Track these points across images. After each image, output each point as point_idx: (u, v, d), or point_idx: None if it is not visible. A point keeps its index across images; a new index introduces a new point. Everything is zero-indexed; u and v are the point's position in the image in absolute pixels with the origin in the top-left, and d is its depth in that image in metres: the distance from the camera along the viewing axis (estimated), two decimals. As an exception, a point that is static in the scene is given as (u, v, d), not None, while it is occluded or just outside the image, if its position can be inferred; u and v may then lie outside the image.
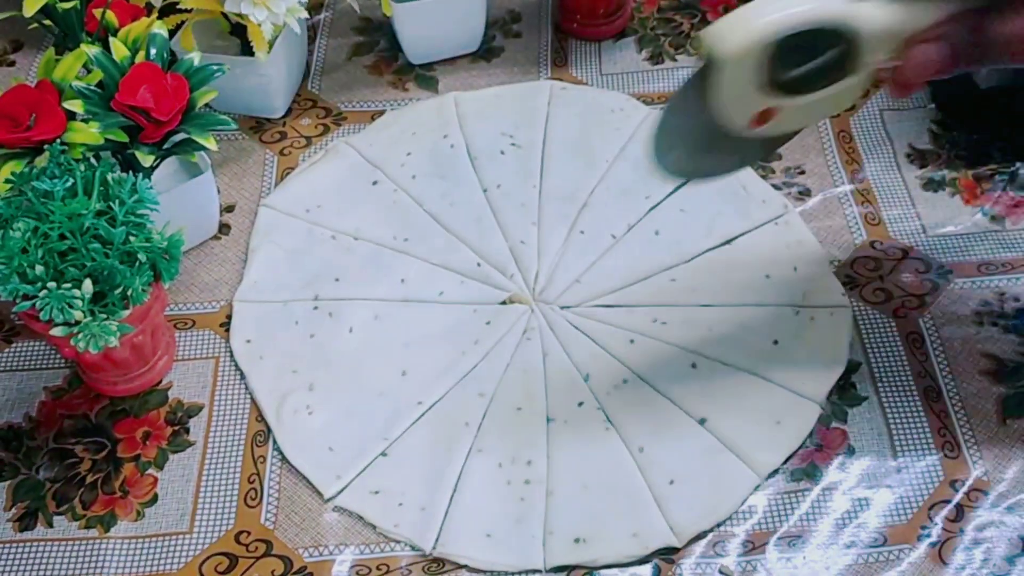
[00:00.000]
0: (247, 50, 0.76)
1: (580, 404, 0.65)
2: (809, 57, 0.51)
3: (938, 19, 0.49)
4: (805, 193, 0.76)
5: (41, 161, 0.61)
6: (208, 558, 0.60)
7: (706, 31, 0.50)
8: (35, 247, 0.57)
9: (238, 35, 0.78)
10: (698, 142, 0.57)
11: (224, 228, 0.75)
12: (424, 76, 0.85)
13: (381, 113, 0.82)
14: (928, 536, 0.59)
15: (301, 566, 0.59)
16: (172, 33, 0.72)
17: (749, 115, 0.54)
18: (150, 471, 0.63)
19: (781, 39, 0.50)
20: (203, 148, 0.66)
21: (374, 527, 0.61)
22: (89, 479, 0.63)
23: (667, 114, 0.56)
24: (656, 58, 0.86)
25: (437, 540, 0.60)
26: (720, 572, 0.58)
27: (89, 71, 0.65)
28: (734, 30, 0.49)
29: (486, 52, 0.87)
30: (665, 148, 0.57)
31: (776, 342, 0.67)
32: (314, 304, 0.70)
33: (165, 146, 0.66)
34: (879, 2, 0.49)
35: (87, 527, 0.61)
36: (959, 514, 0.60)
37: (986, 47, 0.48)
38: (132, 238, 0.59)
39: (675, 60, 0.85)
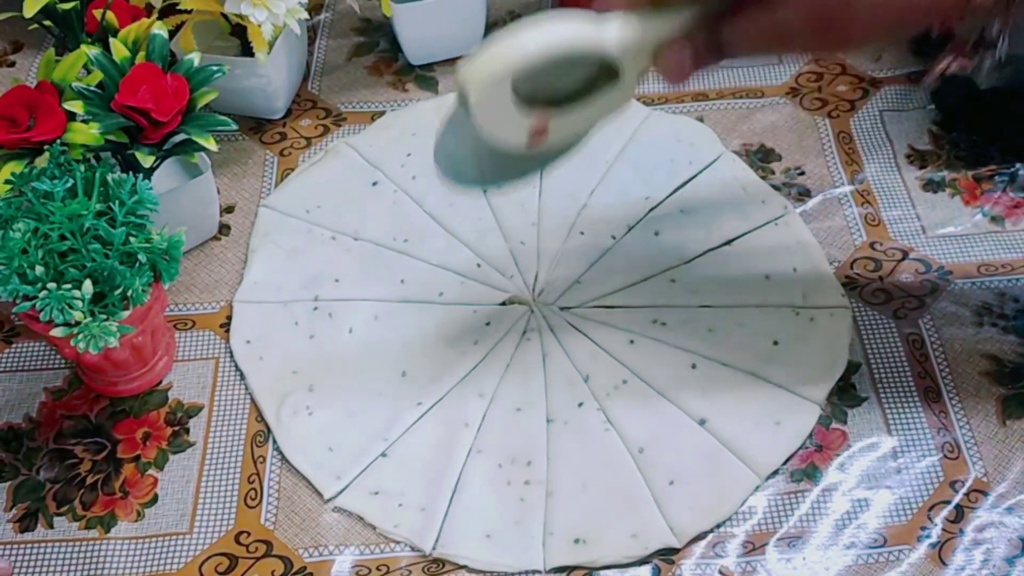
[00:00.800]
0: (247, 51, 0.76)
1: (580, 405, 0.65)
2: (569, 71, 0.54)
3: (678, 28, 0.52)
4: (805, 194, 0.76)
5: (41, 162, 0.61)
6: (208, 558, 0.60)
7: (459, 66, 0.52)
8: (35, 248, 0.57)
9: (238, 36, 0.78)
10: (480, 154, 0.58)
11: (224, 229, 0.75)
12: (424, 77, 0.85)
13: (381, 114, 0.82)
14: (928, 537, 0.59)
15: (301, 567, 0.59)
16: (172, 34, 0.72)
17: (521, 136, 0.55)
18: (150, 472, 0.63)
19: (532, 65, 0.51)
20: (203, 149, 0.66)
21: (374, 528, 0.61)
22: (89, 480, 0.63)
23: (446, 128, 0.58)
24: (656, 59, 0.85)
25: (437, 541, 0.60)
26: (720, 573, 0.58)
27: (89, 72, 0.65)
28: (480, 66, 0.51)
29: (486, 53, 0.87)
30: (449, 159, 0.59)
31: (776, 343, 0.67)
32: (314, 305, 0.70)
33: (165, 147, 0.66)
34: (621, 22, 0.52)
35: (87, 528, 0.61)
36: (959, 515, 0.60)
37: (722, 46, 0.52)
38: (132, 239, 0.59)
39: (675, 61, 0.85)
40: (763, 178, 0.76)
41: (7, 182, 0.60)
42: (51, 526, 0.61)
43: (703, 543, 0.59)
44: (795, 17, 0.50)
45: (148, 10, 0.72)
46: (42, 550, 0.60)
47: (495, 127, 0.55)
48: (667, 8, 0.52)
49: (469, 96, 0.53)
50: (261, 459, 0.64)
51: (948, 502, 0.60)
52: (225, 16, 0.75)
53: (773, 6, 0.51)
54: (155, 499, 0.62)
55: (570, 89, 0.55)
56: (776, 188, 0.76)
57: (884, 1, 0.49)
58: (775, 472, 0.62)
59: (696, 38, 0.53)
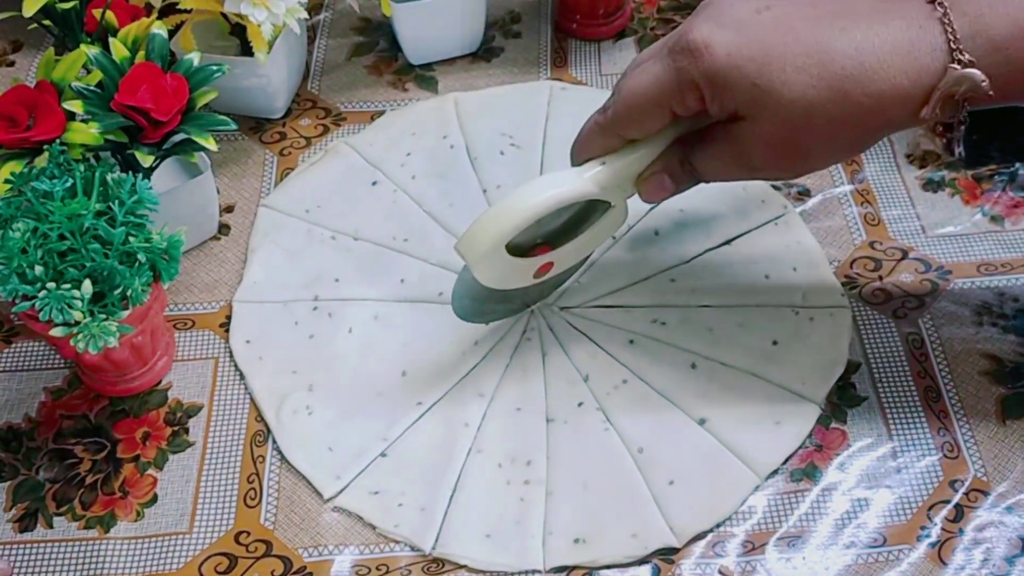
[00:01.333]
0: (247, 50, 0.76)
1: (580, 404, 0.65)
2: (564, 212, 0.59)
3: (651, 159, 0.57)
4: (804, 193, 0.76)
5: (40, 161, 0.61)
6: (208, 558, 0.60)
7: (458, 243, 0.58)
8: (34, 247, 0.57)
9: (238, 35, 0.78)
10: (494, 295, 0.63)
11: (224, 228, 0.75)
12: (424, 76, 0.85)
13: (381, 113, 0.82)
14: (928, 536, 0.59)
15: (301, 566, 0.59)
16: (172, 33, 0.72)
17: (527, 277, 0.61)
18: (150, 471, 0.63)
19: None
20: (203, 148, 0.66)
21: (374, 527, 0.61)
22: (89, 480, 0.63)
23: (460, 280, 0.64)
24: (656, 58, 0.85)
25: (437, 540, 0.60)
26: (720, 572, 0.58)
27: (89, 71, 0.65)
28: (474, 241, 0.57)
29: (486, 52, 0.87)
30: (468, 306, 0.65)
31: (776, 342, 0.67)
32: (314, 304, 0.70)
33: (165, 146, 0.66)
34: (597, 169, 0.57)
35: (87, 528, 0.61)
36: (959, 514, 0.60)
37: (693, 172, 0.57)
38: (132, 238, 0.59)
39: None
40: (763, 178, 0.76)
41: (6, 182, 0.60)
42: (51, 526, 0.61)
43: (703, 543, 0.59)
44: (755, 148, 0.54)
45: (148, 10, 0.72)
46: (42, 550, 0.60)
47: (500, 281, 0.60)
48: (639, 143, 0.57)
49: (471, 268, 0.58)
50: (261, 459, 0.64)
51: (948, 501, 0.60)
52: (225, 16, 0.75)
53: (735, 137, 0.54)
54: (155, 499, 0.62)
55: (568, 222, 0.61)
56: (776, 187, 0.76)
57: (837, 128, 0.52)
58: (775, 472, 0.62)
59: (672, 164, 0.57)
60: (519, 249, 0.59)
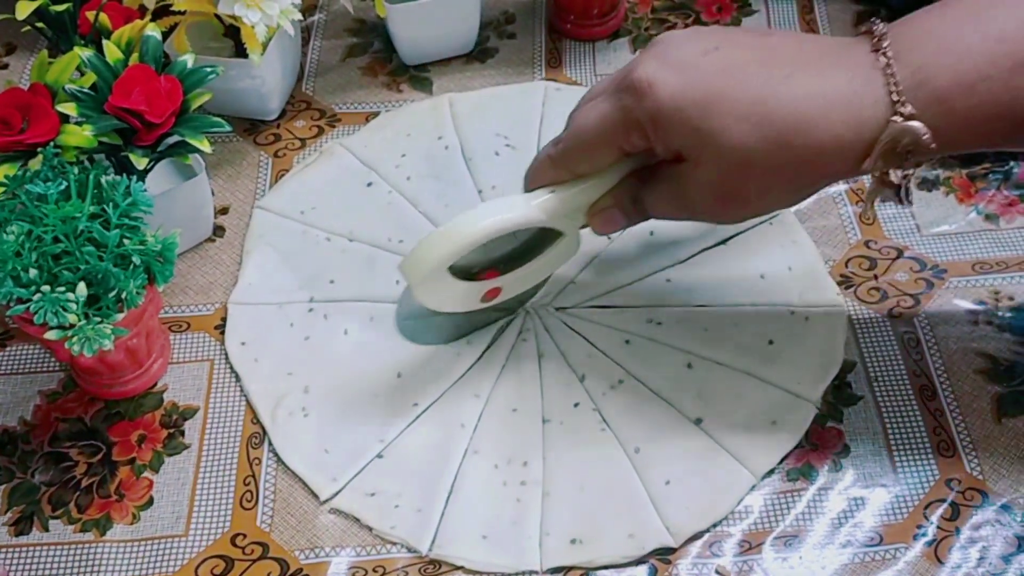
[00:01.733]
0: (241, 52, 0.76)
1: (576, 405, 0.65)
2: (516, 237, 0.59)
3: (600, 194, 0.57)
4: (800, 193, 0.76)
5: (34, 164, 0.61)
6: (204, 561, 0.60)
7: (401, 263, 0.57)
8: (29, 250, 0.57)
9: (232, 37, 0.78)
10: (441, 318, 0.63)
11: (218, 230, 0.75)
12: (418, 77, 0.85)
13: (375, 114, 0.82)
14: (924, 535, 0.59)
15: (297, 568, 0.59)
16: (165, 35, 0.72)
17: (474, 301, 0.61)
18: (145, 474, 0.63)
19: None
20: (197, 150, 0.65)
21: (370, 529, 0.60)
22: (84, 483, 0.63)
23: (403, 300, 0.64)
24: (650, 58, 0.85)
25: (433, 542, 0.60)
26: (716, 572, 0.58)
27: (82, 74, 0.65)
28: (420, 261, 0.56)
29: (480, 53, 0.87)
30: (413, 327, 0.65)
31: (771, 342, 0.67)
32: (309, 306, 0.70)
33: (159, 148, 0.66)
34: (546, 197, 0.57)
35: (83, 531, 0.61)
36: (955, 513, 0.60)
37: (644, 210, 0.57)
38: (126, 241, 0.59)
39: (669, 60, 0.85)
40: (758, 177, 0.76)
41: (1, 185, 0.60)
42: (46, 529, 0.61)
43: (699, 543, 0.59)
44: (696, 190, 0.53)
45: (141, 12, 0.72)
46: (37, 553, 0.60)
47: (443, 304, 0.60)
48: (588, 177, 0.57)
49: (412, 290, 0.58)
50: (257, 461, 0.64)
51: (944, 500, 0.60)
52: (219, 17, 0.75)
53: (678, 177, 0.54)
54: (151, 502, 0.62)
55: (519, 248, 0.60)
56: (771, 187, 0.75)
57: (777, 177, 0.52)
58: (771, 471, 0.62)
59: (623, 198, 0.57)
60: (466, 272, 0.59)
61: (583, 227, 0.60)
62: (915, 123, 0.48)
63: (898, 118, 0.48)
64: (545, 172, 0.57)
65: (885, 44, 0.49)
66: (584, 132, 0.55)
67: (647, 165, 0.56)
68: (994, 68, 0.48)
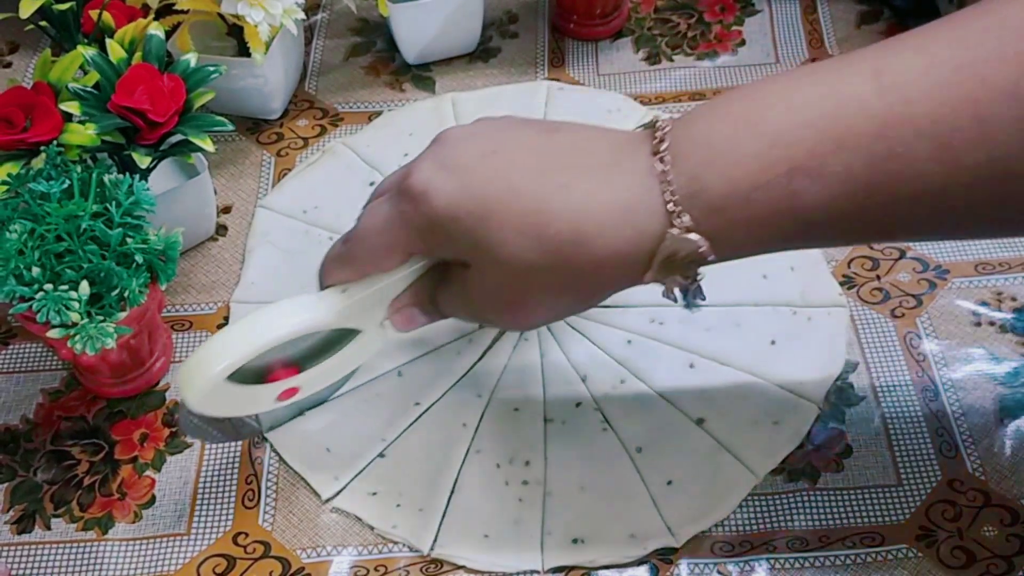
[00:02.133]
0: (244, 51, 0.76)
1: (578, 405, 0.65)
2: (309, 337, 0.54)
3: (400, 292, 0.54)
4: (802, 193, 0.75)
5: (37, 163, 0.61)
6: (206, 559, 0.60)
7: (177, 376, 0.54)
8: (31, 249, 0.57)
9: (235, 36, 0.78)
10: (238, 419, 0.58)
11: (221, 229, 0.75)
12: (421, 77, 0.85)
13: (378, 114, 0.82)
14: (926, 536, 0.59)
15: (299, 567, 0.59)
16: (168, 34, 0.72)
17: (268, 402, 0.56)
18: (147, 473, 0.63)
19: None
20: (200, 149, 0.66)
21: (372, 528, 0.61)
22: (87, 481, 0.63)
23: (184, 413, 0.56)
24: (653, 58, 0.86)
25: (435, 541, 0.60)
26: (718, 572, 0.58)
27: (85, 72, 0.65)
28: (195, 378, 0.52)
29: (483, 52, 0.87)
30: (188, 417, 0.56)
31: (773, 342, 0.67)
32: (311, 305, 0.70)
33: (162, 147, 0.66)
34: (339, 296, 0.53)
35: (85, 529, 0.61)
36: (957, 514, 0.60)
37: (440, 308, 0.54)
38: (129, 240, 0.59)
39: (672, 60, 0.85)
40: (760, 177, 0.76)
41: (3, 183, 0.60)
42: (48, 528, 0.61)
43: (701, 543, 0.59)
44: (478, 296, 0.51)
45: (144, 11, 0.72)
46: (39, 552, 0.60)
47: (232, 410, 0.56)
48: (380, 276, 0.53)
49: (193, 408, 0.53)
50: (258, 460, 0.64)
51: (946, 501, 0.60)
52: (222, 17, 0.75)
53: (463, 281, 0.51)
54: (153, 500, 0.62)
55: (319, 343, 0.55)
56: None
57: (558, 289, 0.49)
58: (773, 472, 0.62)
59: (421, 296, 0.54)
60: (255, 374, 0.54)
61: (385, 321, 0.56)
62: (692, 235, 0.46)
63: (675, 230, 0.46)
64: (335, 270, 0.54)
65: (663, 148, 0.46)
66: (368, 235, 0.52)
67: (444, 262, 0.53)
68: (770, 174, 0.44)
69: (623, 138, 0.50)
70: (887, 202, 0.44)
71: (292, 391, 0.56)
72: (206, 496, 0.62)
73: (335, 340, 0.55)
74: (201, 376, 0.51)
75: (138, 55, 0.66)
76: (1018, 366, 0.65)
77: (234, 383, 0.52)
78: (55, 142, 0.62)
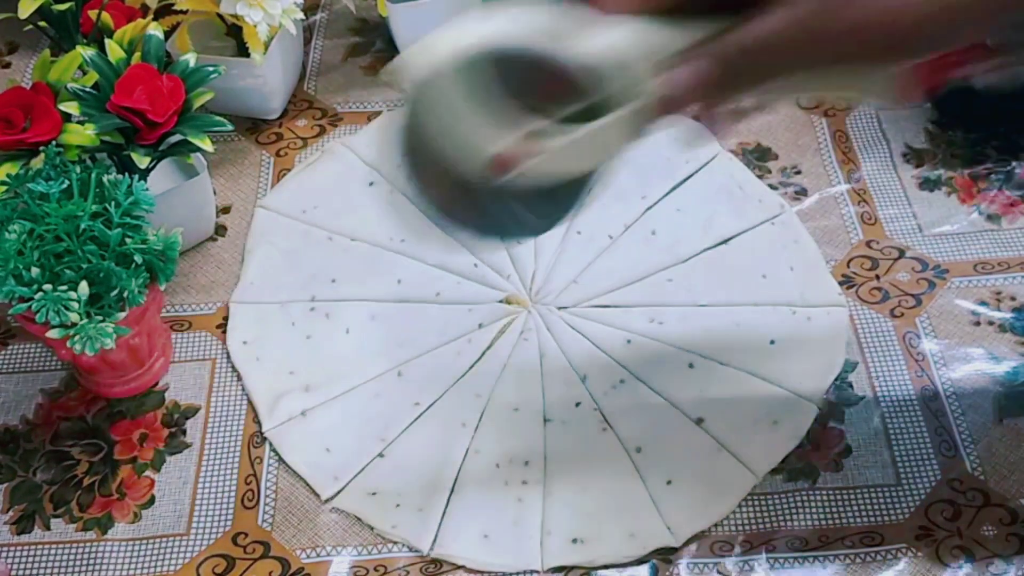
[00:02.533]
0: (243, 51, 0.76)
1: (577, 405, 0.65)
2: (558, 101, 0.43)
3: (688, 44, 0.42)
4: (801, 193, 0.76)
5: (37, 163, 0.61)
6: (205, 560, 0.60)
7: (394, 63, 0.42)
8: (31, 249, 0.57)
9: (234, 36, 0.78)
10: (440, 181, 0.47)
11: (220, 229, 0.75)
12: (420, 77, 0.85)
13: (377, 114, 0.82)
14: (925, 535, 0.59)
15: (298, 567, 0.59)
16: (168, 35, 0.72)
17: (492, 140, 0.44)
18: (147, 473, 0.63)
19: (503, 65, 0.42)
20: (199, 149, 0.66)
21: (372, 528, 0.61)
22: (86, 481, 0.63)
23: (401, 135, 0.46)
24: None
25: (435, 541, 0.59)
26: (718, 572, 0.58)
27: (85, 73, 0.65)
28: (430, 47, 0.43)
29: (482, 52, 0.86)
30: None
31: (773, 342, 0.67)
32: (311, 305, 0.70)
33: (161, 147, 0.66)
34: (620, 27, 0.41)
35: (84, 529, 0.61)
36: (956, 513, 0.60)
37: (738, 57, 0.41)
38: (128, 240, 0.59)
39: None
40: (759, 177, 0.76)
41: (3, 183, 0.60)
42: (48, 528, 0.61)
43: (701, 542, 0.59)
44: (779, 23, 0.39)
45: (144, 11, 0.72)
46: (39, 552, 0.60)
47: (450, 134, 0.44)
48: (677, 18, 0.41)
49: (410, 94, 0.44)
50: (258, 460, 0.64)
51: (945, 500, 0.60)
52: (221, 17, 0.75)
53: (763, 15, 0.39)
54: (152, 500, 0.62)
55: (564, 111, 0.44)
56: (772, 187, 0.76)
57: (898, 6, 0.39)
58: (772, 471, 0.62)
59: (716, 51, 0.41)
60: (494, 102, 0.44)
61: (644, 112, 0.43)
62: None
63: None
64: None
65: None
66: None
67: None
68: None
69: None
70: None
71: (507, 162, 0.43)
72: (205, 496, 0.62)
73: (582, 115, 0.43)
74: (440, 49, 0.42)
75: (137, 55, 0.66)
76: (1017, 365, 0.65)
77: (471, 88, 0.42)
78: (54, 142, 0.62)
